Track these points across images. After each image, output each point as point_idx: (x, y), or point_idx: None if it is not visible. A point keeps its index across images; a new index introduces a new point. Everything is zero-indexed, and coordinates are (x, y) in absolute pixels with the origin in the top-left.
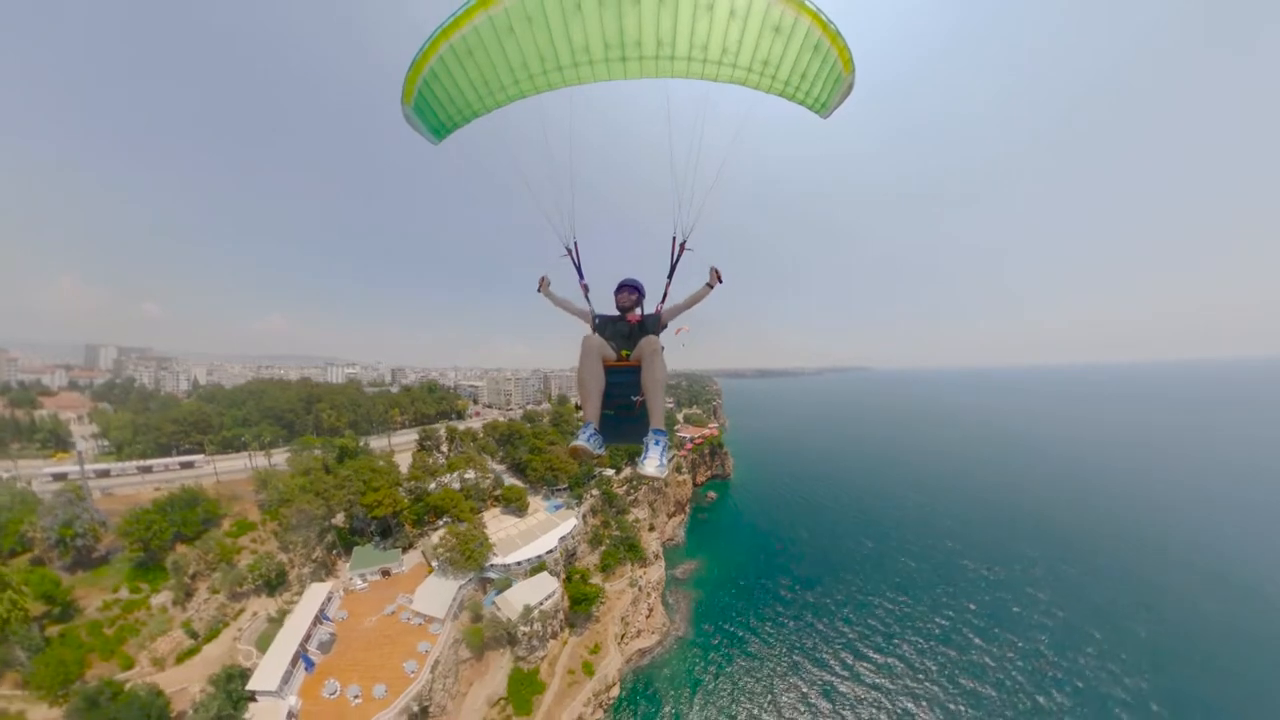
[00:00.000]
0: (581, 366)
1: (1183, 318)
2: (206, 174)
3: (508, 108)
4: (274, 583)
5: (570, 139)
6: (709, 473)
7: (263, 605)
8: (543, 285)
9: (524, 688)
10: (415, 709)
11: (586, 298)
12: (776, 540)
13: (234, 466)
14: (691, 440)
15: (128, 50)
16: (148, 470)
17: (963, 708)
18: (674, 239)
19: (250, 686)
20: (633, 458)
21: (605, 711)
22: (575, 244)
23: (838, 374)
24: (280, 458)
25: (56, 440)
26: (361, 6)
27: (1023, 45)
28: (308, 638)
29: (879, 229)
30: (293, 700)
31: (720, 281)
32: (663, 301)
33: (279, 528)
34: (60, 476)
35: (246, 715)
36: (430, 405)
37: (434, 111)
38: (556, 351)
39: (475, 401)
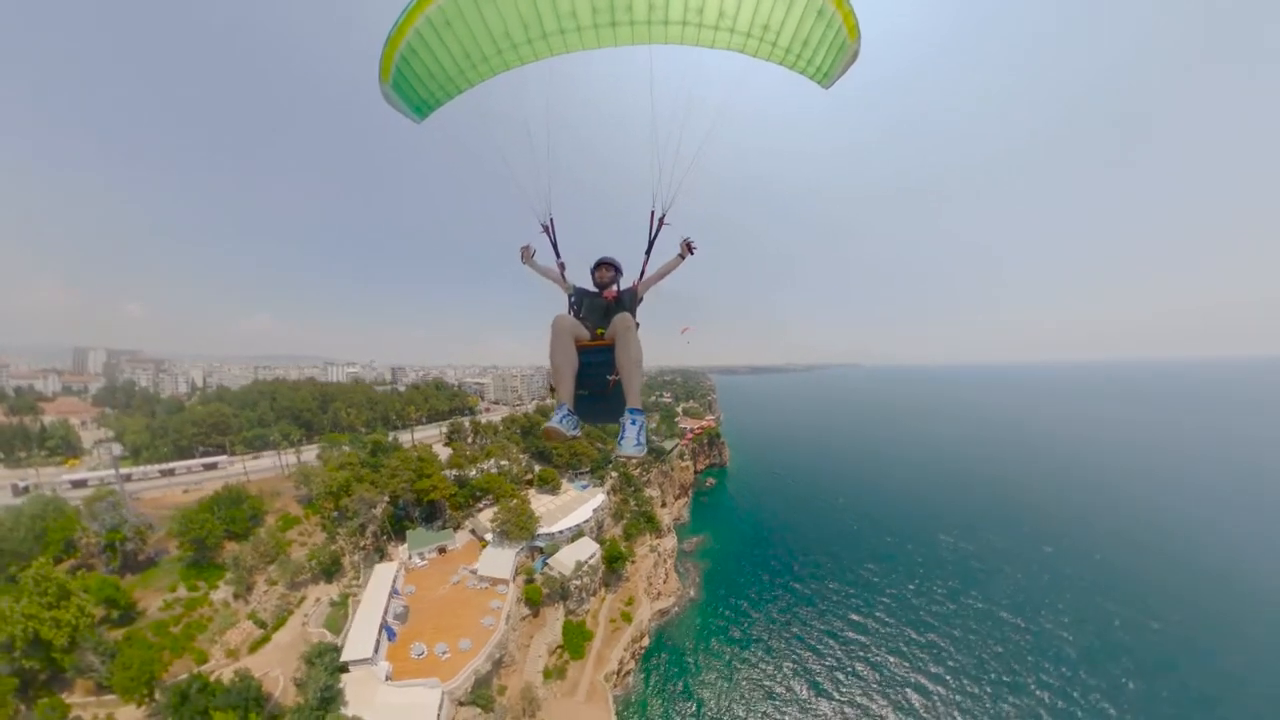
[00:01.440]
0: (553, 347)
1: (1182, 315)
2: (195, 172)
3: (488, 81)
4: (331, 570)
5: (547, 110)
6: (708, 461)
7: (321, 592)
8: (526, 255)
9: (576, 636)
10: (497, 656)
11: (563, 275)
12: (770, 520)
13: (262, 465)
14: (691, 431)
15: (121, 47)
16: (170, 473)
17: (925, 655)
18: (653, 213)
19: (344, 658)
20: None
21: (638, 662)
22: (551, 220)
23: (829, 370)
24: (308, 455)
25: (68, 447)
26: (362, 6)
27: (1020, 45)
28: (385, 611)
29: (874, 226)
30: (385, 665)
31: (692, 252)
32: (640, 277)
33: (324, 519)
34: (80, 483)
35: (340, 685)
36: (443, 402)
37: (414, 88)
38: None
39: (482, 398)
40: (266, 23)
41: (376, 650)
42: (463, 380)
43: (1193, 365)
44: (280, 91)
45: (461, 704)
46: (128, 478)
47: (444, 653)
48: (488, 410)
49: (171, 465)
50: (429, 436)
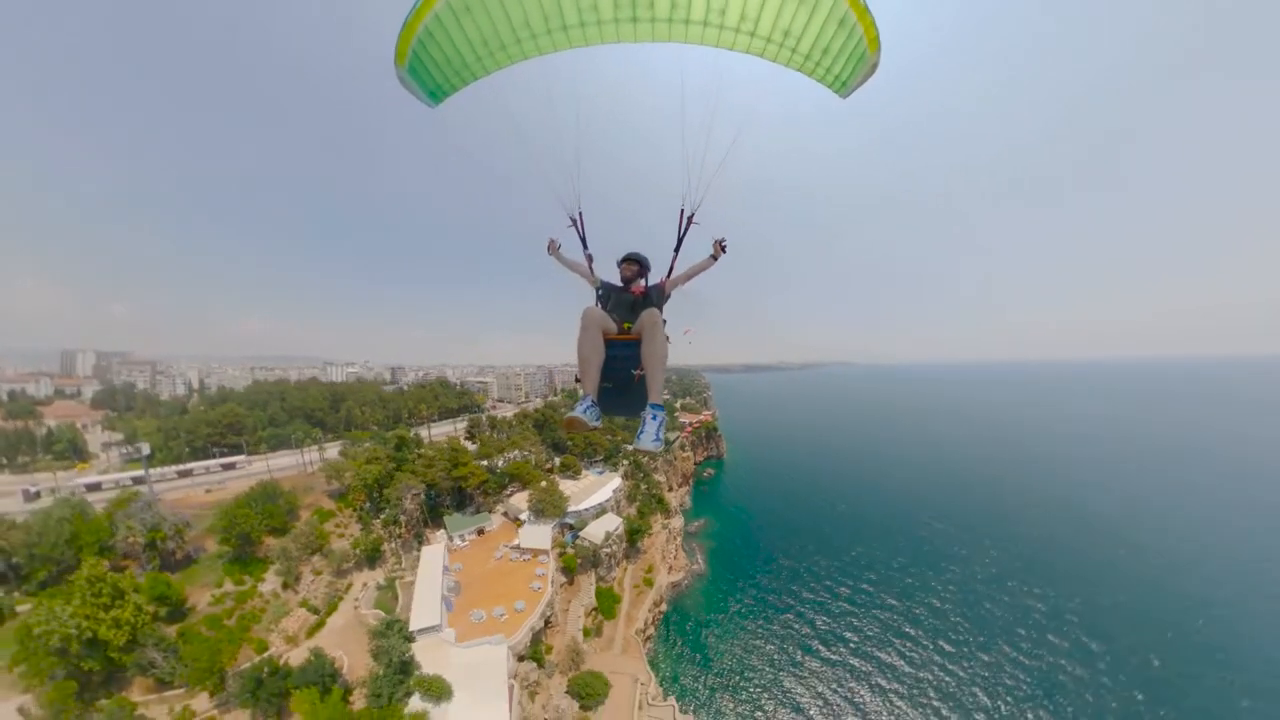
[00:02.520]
0: (581, 339)
1: (1182, 315)
2: (187, 169)
3: (514, 69)
4: (373, 557)
5: (577, 103)
6: (705, 453)
7: (366, 578)
8: (552, 248)
9: (607, 600)
10: (548, 615)
11: (590, 268)
12: (765, 507)
13: (283, 464)
14: (689, 424)
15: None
16: (188, 474)
17: (904, 620)
18: (682, 211)
19: (413, 628)
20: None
21: (656, 628)
22: (580, 214)
23: (824, 369)
24: (330, 453)
25: (74, 450)
26: (362, 6)
27: (1020, 45)
28: (441, 585)
29: (875, 226)
30: (450, 631)
31: (724, 252)
32: (668, 275)
33: (358, 511)
34: (94, 486)
35: (411, 652)
36: (452, 400)
37: (430, 73)
38: (546, 350)
39: (487, 397)
40: (266, 21)
41: (441, 619)
42: (464, 380)
43: (1192, 364)
44: (277, 88)
45: (521, 659)
46: (143, 479)
47: (501, 615)
48: (494, 408)
49: (189, 466)
50: (444, 432)
